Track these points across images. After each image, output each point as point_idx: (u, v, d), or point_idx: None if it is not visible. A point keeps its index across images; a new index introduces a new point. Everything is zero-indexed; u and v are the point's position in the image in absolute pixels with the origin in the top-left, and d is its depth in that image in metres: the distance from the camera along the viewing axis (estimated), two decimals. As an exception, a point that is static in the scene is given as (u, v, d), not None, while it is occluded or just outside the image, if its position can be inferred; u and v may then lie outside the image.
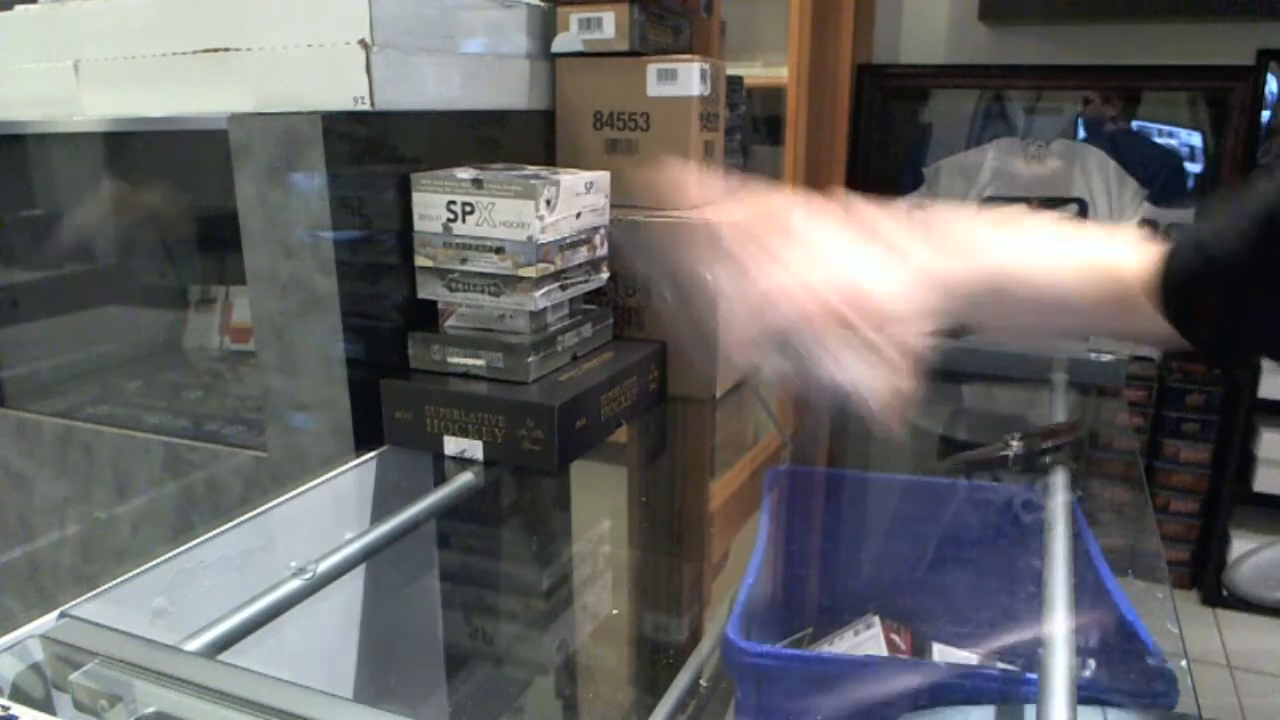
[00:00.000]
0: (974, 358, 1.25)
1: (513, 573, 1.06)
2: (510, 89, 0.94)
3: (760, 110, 2.08)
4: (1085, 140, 1.91)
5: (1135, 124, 1.91)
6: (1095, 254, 0.58)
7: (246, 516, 0.67)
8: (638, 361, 0.88)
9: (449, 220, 0.79)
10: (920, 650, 1.10)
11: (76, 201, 1.14)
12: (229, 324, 1.22)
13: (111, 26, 0.85)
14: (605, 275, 0.90)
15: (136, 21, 0.84)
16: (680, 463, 1.13)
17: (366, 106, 0.76)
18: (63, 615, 0.53)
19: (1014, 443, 0.82)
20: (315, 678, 0.76)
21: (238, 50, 0.80)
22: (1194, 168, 1.88)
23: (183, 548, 0.62)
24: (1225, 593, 2.20)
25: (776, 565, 1.14)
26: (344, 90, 0.76)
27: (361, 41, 0.74)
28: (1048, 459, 0.84)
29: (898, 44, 2.03)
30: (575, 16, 0.95)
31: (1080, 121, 1.92)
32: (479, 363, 0.80)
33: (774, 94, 1.93)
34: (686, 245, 0.89)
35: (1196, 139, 1.89)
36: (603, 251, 0.89)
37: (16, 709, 0.43)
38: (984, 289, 0.57)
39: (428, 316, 0.84)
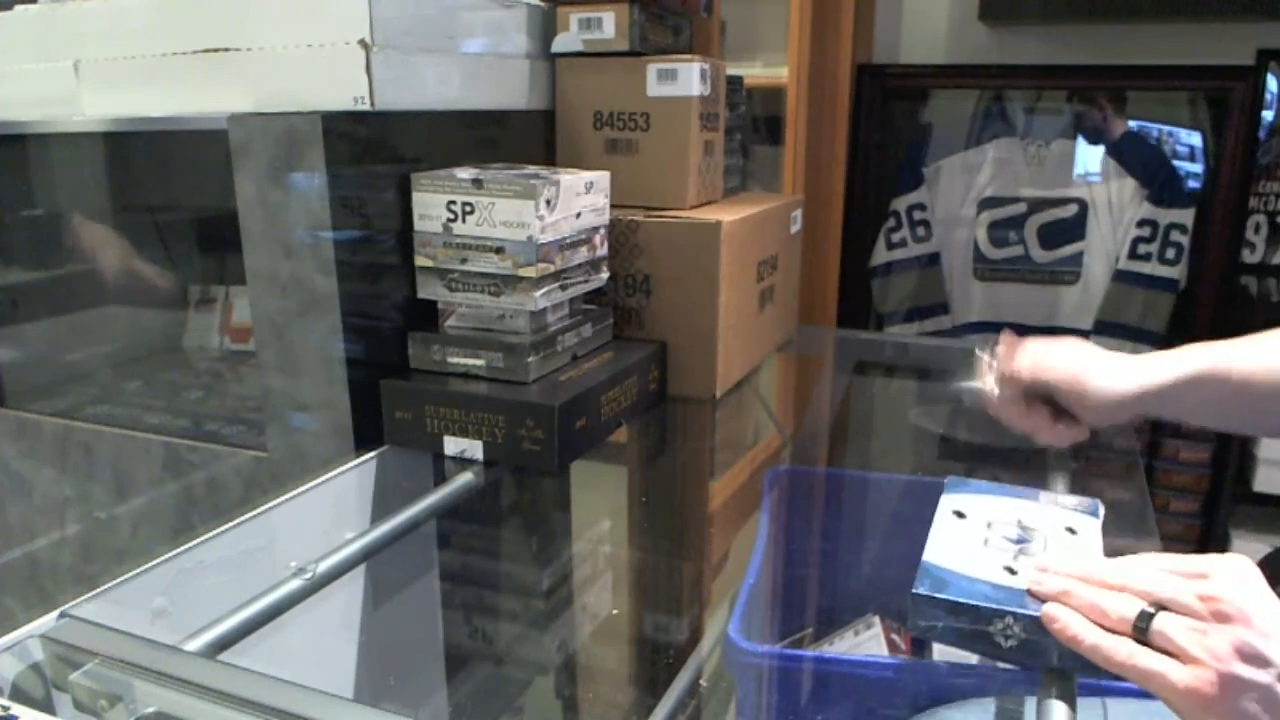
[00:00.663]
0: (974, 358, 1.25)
1: (513, 573, 1.06)
2: (510, 89, 0.94)
3: (760, 110, 2.08)
4: (1085, 140, 1.91)
5: (1135, 124, 1.90)
6: None
7: (246, 516, 0.67)
8: (638, 361, 0.88)
9: (449, 220, 0.79)
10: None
11: (76, 201, 1.14)
12: (229, 324, 1.22)
13: (111, 26, 0.85)
14: (605, 275, 0.90)
15: (136, 21, 0.84)
16: (680, 463, 1.13)
17: (366, 106, 0.76)
18: (63, 615, 0.53)
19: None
20: (315, 678, 0.76)
21: (238, 50, 0.79)
22: (1194, 168, 1.88)
23: (183, 548, 0.62)
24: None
25: (776, 565, 1.14)
26: (344, 90, 0.76)
27: (361, 41, 0.74)
28: (1047, 458, 0.84)
29: (898, 44, 2.03)
30: (575, 16, 0.95)
31: (1080, 121, 1.92)
32: (479, 363, 0.80)
33: (774, 94, 1.92)
34: None
35: (1196, 139, 1.88)
36: (603, 251, 0.89)
37: (16, 709, 0.43)
38: (1189, 380, 0.69)
39: (428, 316, 0.84)
